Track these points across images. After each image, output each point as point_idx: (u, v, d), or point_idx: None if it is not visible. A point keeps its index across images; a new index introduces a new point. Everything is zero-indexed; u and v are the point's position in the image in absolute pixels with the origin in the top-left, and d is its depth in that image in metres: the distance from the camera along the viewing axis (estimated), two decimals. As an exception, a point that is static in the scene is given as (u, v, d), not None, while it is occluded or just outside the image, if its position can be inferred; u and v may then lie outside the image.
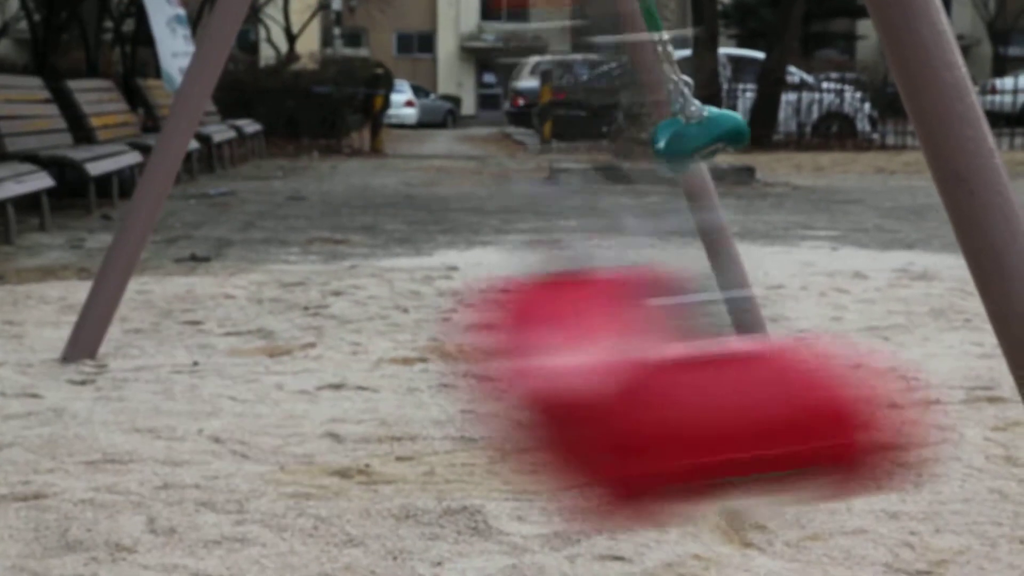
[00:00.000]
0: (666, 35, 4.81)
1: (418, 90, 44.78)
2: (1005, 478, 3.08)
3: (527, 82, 31.10)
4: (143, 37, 17.32)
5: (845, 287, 6.33)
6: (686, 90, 4.66)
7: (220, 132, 15.52)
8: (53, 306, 5.61)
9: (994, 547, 2.61)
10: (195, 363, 4.44)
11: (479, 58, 56.86)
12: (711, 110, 4.72)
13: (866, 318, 5.44)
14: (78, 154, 9.75)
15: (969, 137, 1.90)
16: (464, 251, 7.85)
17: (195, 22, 18.08)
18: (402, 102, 39.15)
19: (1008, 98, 27.33)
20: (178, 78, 13.79)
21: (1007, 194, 1.91)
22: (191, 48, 14.80)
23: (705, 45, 22.58)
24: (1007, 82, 28.79)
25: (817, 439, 1.05)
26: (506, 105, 34.51)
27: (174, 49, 14.54)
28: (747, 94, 23.33)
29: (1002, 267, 1.91)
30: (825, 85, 24.23)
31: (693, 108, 4.64)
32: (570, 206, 11.07)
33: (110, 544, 2.60)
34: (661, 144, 4.66)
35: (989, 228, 1.90)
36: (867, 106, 23.78)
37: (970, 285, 1.98)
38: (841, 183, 14.54)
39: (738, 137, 4.73)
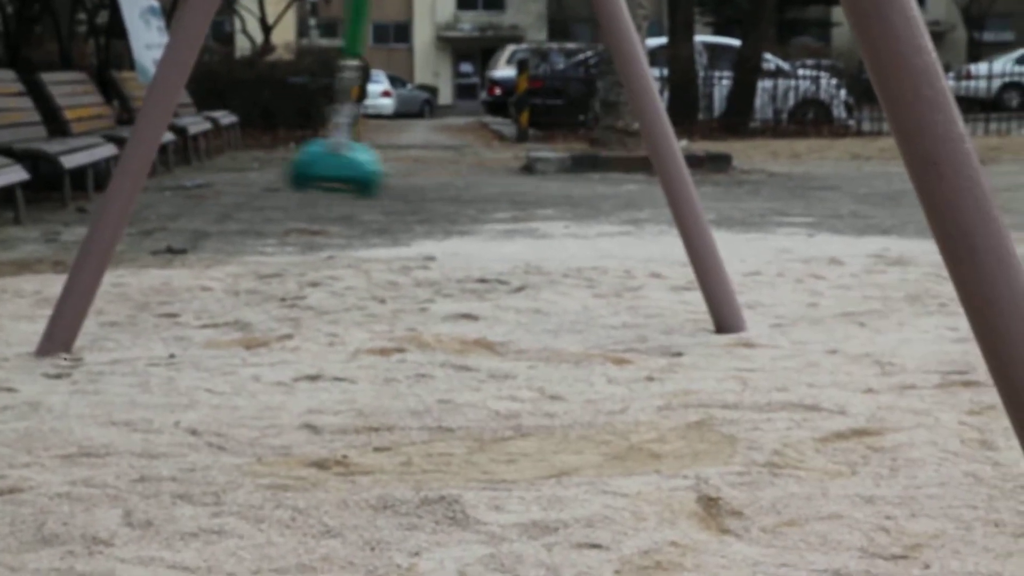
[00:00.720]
0: (353, 63, 4.89)
1: (395, 80, 44.72)
2: (980, 462, 3.09)
3: (504, 71, 31.09)
4: (117, 29, 17.23)
5: (821, 273, 6.35)
6: (346, 121, 4.73)
7: (195, 124, 15.46)
8: (28, 299, 5.58)
9: (969, 530, 2.62)
10: (172, 356, 4.42)
11: (455, 48, 56.79)
12: (357, 153, 4.79)
13: (842, 304, 5.45)
14: (52, 147, 9.70)
15: (939, 122, 1.90)
16: (441, 241, 7.85)
17: (170, 13, 18.00)
18: (379, 92, 39.09)
19: (983, 84, 27.46)
20: (152, 70, 13.71)
21: (977, 178, 1.91)
22: (165, 39, 14.74)
23: (681, 33, 22.61)
24: (982, 67, 28.95)
25: None
26: (483, 94, 34.48)
27: (148, 41, 14.47)
28: (723, 81, 23.37)
29: (973, 251, 1.92)
30: (801, 72, 24.28)
31: (339, 141, 4.72)
32: (547, 194, 11.07)
33: (87, 537, 2.59)
34: (296, 158, 4.75)
35: (959, 212, 1.91)
36: (843, 93, 23.84)
37: (945, 270, 1.99)
38: (817, 170, 14.57)
39: (364, 187, 4.83)
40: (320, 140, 4.71)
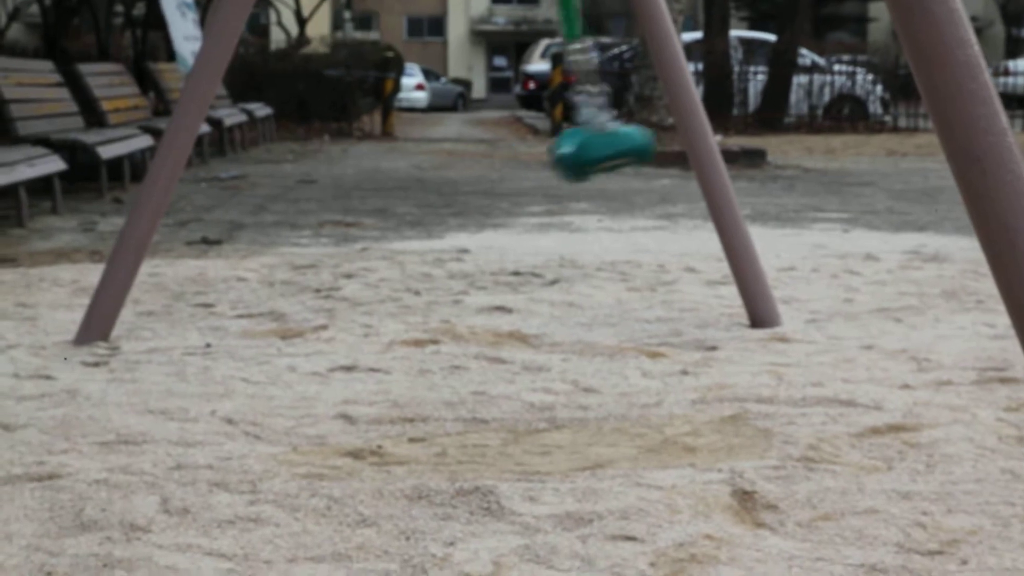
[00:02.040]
0: (578, 45, 4.85)
1: (428, 73, 44.76)
2: (1018, 458, 3.08)
3: (538, 65, 31.05)
4: (154, 21, 17.33)
5: (856, 269, 6.32)
6: (601, 100, 4.69)
7: (231, 115, 15.52)
8: (66, 289, 5.62)
9: (1006, 527, 2.61)
10: (207, 345, 4.45)
11: (490, 41, 56.78)
12: (619, 125, 4.75)
13: (878, 300, 5.43)
14: (89, 137, 9.76)
15: (982, 115, 1.89)
16: (475, 234, 7.85)
17: (204, 8, 18.07)
18: (412, 86, 39.14)
19: (1021, 80, 27.24)
20: (191, 60, 13.79)
21: (1020, 172, 1.90)
22: (200, 31, 14.81)
23: (716, 27, 22.52)
24: (1020, 64, 28.69)
25: None
26: (517, 88, 34.45)
27: (186, 32, 14.54)
28: (758, 76, 23.26)
29: (1015, 246, 1.90)
30: (837, 67, 24.14)
31: (602, 119, 4.68)
32: (580, 188, 11.06)
33: (124, 524, 2.61)
34: (564, 151, 4.69)
35: (1002, 207, 1.90)
36: (879, 88, 23.70)
37: (982, 266, 1.98)
38: (853, 166, 14.51)
39: (642, 154, 4.78)
40: (578, 128, 4.68)
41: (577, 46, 4.82)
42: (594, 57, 4.93)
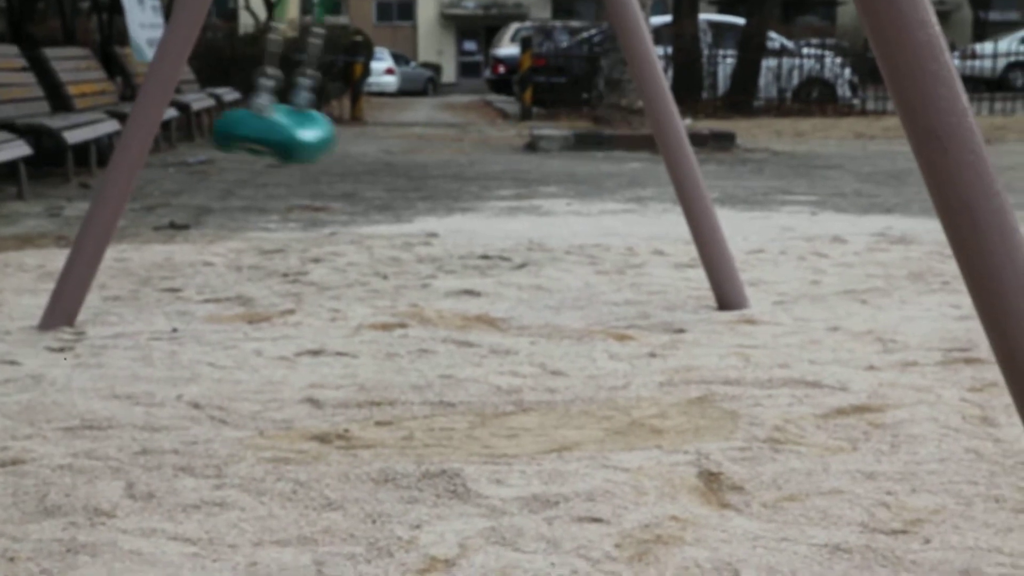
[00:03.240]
0: (319, 30, 4.97)
1: (398, 58, 44.60)
2: (981, 438, 3.10)
3: (507, 49, 31.00)
4: (119, 5, 17.19)
5: (824, 251, 6.35)
6: (269, 84, 4.78)
7: (199, 100, 15.44)
8: (31, 274, 5.58)
9: (969, 506, 2.62)
10: (174, 330, 4.43)
11: (459, 26, 56.65)
12: (285, 118, 4.81)
13: (844, 281, 5.45)
14: (55, 122, 9.69)
15: (942, 96, 1.90)
16: (444, 217, 7.84)
17: (171, -9, 17.93)
18: (382, 70, 38.99)
19: (988, 63, 27.38)
20: (146, 48, 13.69)
21: (980, 152, 1.91)
22: (160, 19, 14.70)
23: (685, 11, 22.53)
24: (987, 47, 28.83)
25: None
26: (486, 73, 34.40)
27: (142, 20, 14.44)
28: (727, 60, 23.29)
29: (976, 224, 1.91)
30: (805, 51, 24.20)
31: (262, 102, 4.77)
32: (550, 172, 11.05)
33: (88, 509, 2.60)
34: (222, 119, 4.80)
35: (963, 186, 1.90)
36: (847, 72, 23.77)
37: (948, 248, 1.99)
38: (821, 148, 14.55)
39: (284, 152, 4.85)
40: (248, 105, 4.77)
41: (318, 31, 4.96)
42: (320, 44, 5.07)
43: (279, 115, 4.72)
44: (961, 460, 2.93)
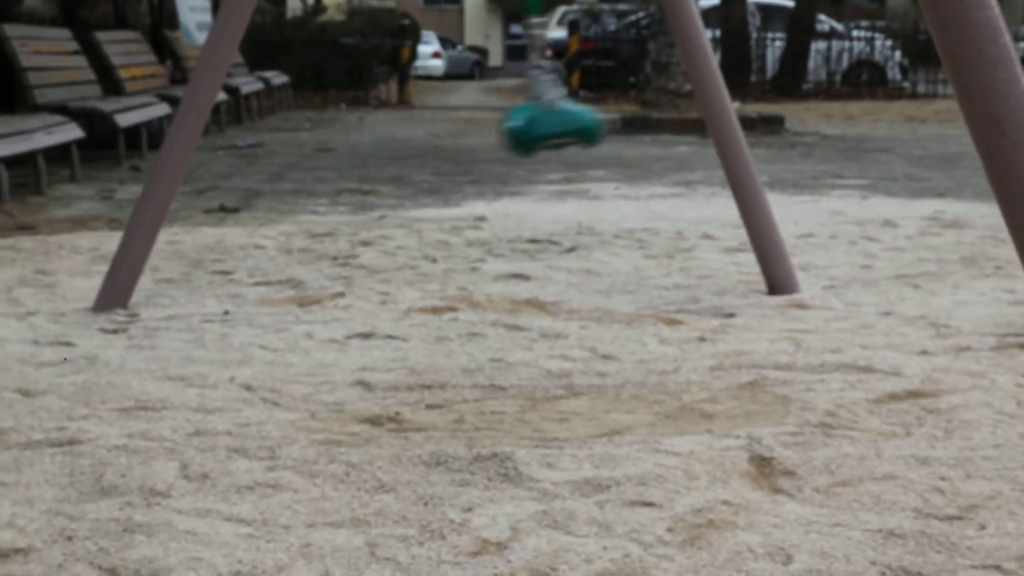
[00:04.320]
0: (537, 19, 4.89)
1: (445, 41, 44.59)
2: (1036, 424, 3.07)
3: (555, 32, 30.93)
4: (170, -11, 17.29)
5: (875, 235, 6.30)
6: (553, 76, 4.72)
7: (248, 84, 15.51)
8: (84, 256, 5.64)
9: (1025, 492, 2.60)
10: (226, 312, 4.46)
11: (506, 9, 56.56)
12: (569, 104, 4.77)
13: (896, 266, 5.41)
14: (107, 105, 9.77)
15: (1002, 78, 1.88)
16: (492, 201, 7.84)
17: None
18: (429, 53, 39.00)
19: (1041, 46, 27.00)
20: (196, 32, 13.76)
21: (1041, 136, 1.89)
22: (208, 3, 14.76)
23: (734, -6, 22.38)
24: (1040, 29, 28.45)
25: None
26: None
27: (192, 4, 14.51)
28: (776, 43, 23.14)
29: (1035, 210, 1.90)
30: (855, 33, 24.00)
31: (552, 96, 4.71)
32: (598, 156, 11.03)
33: (144, 489, 2.62)
34: (512, 125, 4.72)
35: (1021, 169, 1.89)
36: (897, 54, 23.56)
37: (1002, 232, 1.97)
38: (871, 132, 14.43)
39: (589, 135, 4.81)
40: (529, 103, 4.71)
41: (536, 20, 4.88)
42: (547, 33, 5.02)
43: (566, 103, 4.72)
44: (1016, 446, 2.90)
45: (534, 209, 7.44)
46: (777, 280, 4.80)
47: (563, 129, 4.66)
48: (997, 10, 1.92)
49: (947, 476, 2.70)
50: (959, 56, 1.91)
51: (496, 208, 7.47)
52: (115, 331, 4.16)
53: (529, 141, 4.71)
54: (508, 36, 56.87)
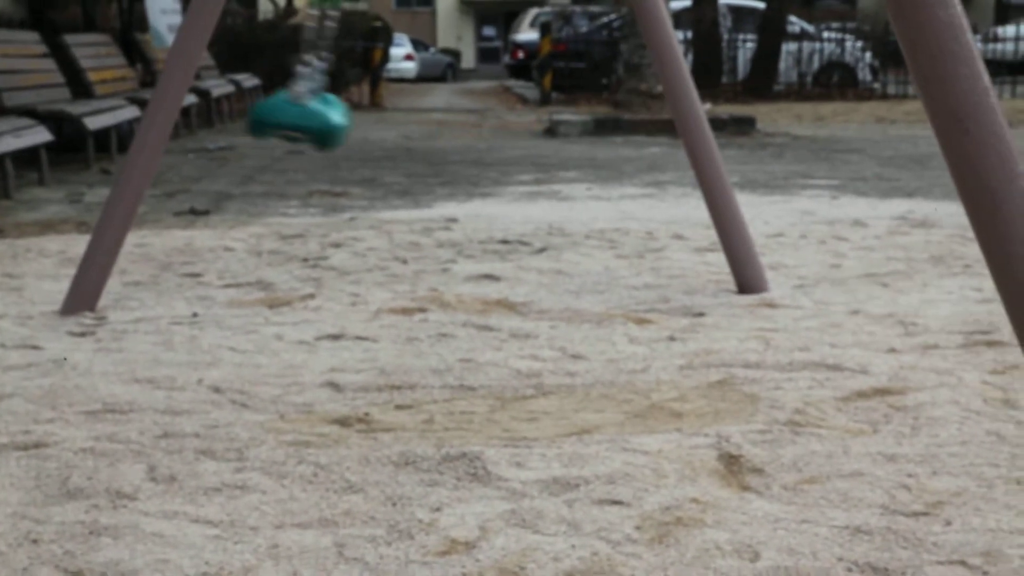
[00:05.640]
0: (333, 12, 4.97)
1: (417, 44, 44.56)
2: (1003, 420, 3.09)
3: (527, 35, 30.96)
4: (140, -8, 17.21)
5: (844, 235, 6.33)
6: (307, 72, 4.80)
7: (218, 86, 15.46)
8: (52, 259, 5.61)
9: (991, 488, 2.62)
10: (194, 314, 4.44)
11: (478, 11, 56.57)
12: (319, 105, 4.84)
13: (865, 265, 5.44)
14: (76, 108, 9.72)
15: (964, 76, 1.88)
16: (463, 203, 7.84)
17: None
18: (401, 56, 38.97)
19: (1010, 46, 27.19)
20: (166, 34, 13.70)
21: (1003, 134, 1.89)
22: (179, 5, 14.70)
23: (705, -5, 22.44)
24: (1009, 30, 28.63)
25: None
26: (506, 58, 34.34)
27: (163, 6, 14.46)
28: (747, 44, 23.21)
29: (998, 207, 1.90)
30: (826, 35, 24.10)
31: (300, 90, 4.80)
32: (569, 157, 11.04)
33: (111, 492, 2.61)
34: (256, 105, 4.82)
35: (985, 168, 1.89)
36: (868, 56, 23.68)
37: (970, 231, 1.98)
38: (842, 133, 14.49)
39: (321, 139, 4.87)
40: (284, 90, 4.79)
41: (333, 14, 4.99)
42: (335, 28, 5.11)
43: (314, 102, 4.74)
44: (982, 442, 2.92)
45: (505, 210, 7.44)
46: (747, 279, 4.81)
47: (297, 123, 4.76)
48: (959, 8, 1.93)
49: (914, 473, 2.71)
50: (922, 53, 1.92)
51: (467, 209, 7.47)
52: (83, 334, 4.14)
53: (261, 124, 4.82)
54: (481, 39, 56.87)
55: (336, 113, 4.81)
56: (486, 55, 55.25)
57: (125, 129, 10.84)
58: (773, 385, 3.44)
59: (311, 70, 4.73)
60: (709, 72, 21.34)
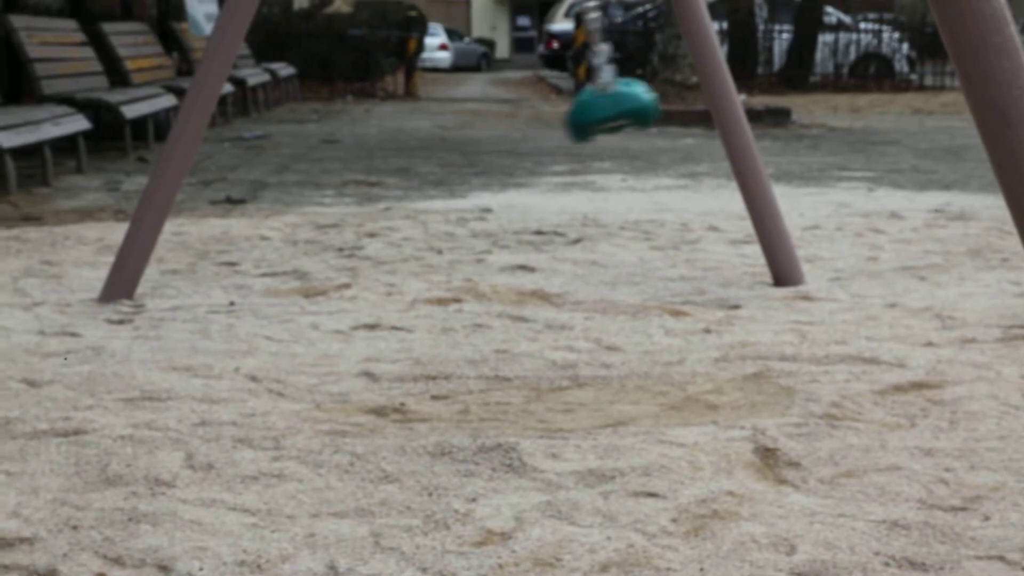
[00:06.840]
0: (593, 3, 4.91)
1: (452, 33, 44.56)
2: (1041, 416, 3.06)
3: (561, 25, 30.90)
4: (177, -20, 17.28)
5: (881, 227, 6.29)
6: (603, 60, 4.75)
7: (255, 75, 15.51)
8: (90, 247, 5.64)
9: (1029, 484, 2.60)
10: (231, 303, 4.46)
11: (513, 1, 56.50)
12: (623, 86, 4.78)
13: (902, 258, 5.41)
14: (114, 97, 9.77)
15: (1006, 68, 1.87)
16: (498, 193, 7.84)
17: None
18: (436, 45, 38.98)
19: (1049, 38, 26.93)
20: (204, 23, 13.74)
21: (1045, 126, 1.89)
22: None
23: (741, -15, 22.35)
24: (1048, 22, 28.38)
25: None
26: (540, 48, 34.31)
27: (199, -5, 14.51)
28: (783, 35, 23.10)
29: (1039, 200, 1.89)
30: (863, 26, 23.95)
31: (605, 79, 4.73)
32: (604, 148, 11.02)
33: (149, 479, 2.63)
34: (569, 115, 4.74)
35: (1027, 161, 1.88)
36: (905, 47, 23.52)
37: (1008, 224, 1.97)
38: (878, 124, 14.41)
39: (643, 116, 4.81)
40: (587, 87, 4.75)
41: (591, 4, 4.90)
42: (599, 21, 5.04)
43: (619, 86, 4.73)
44: (1021, 437, 2.90)
45: (540, 201, 7.44)
46: (783, 272, 4.80)
47: (617, 111, 4.69)
48: (1003, 1, 1.92)
49: (951, 467, 2.70)
50: (964, 46, 1.91)
51: (502, 200, 7.48)
52: (121, 322, 4.17)
53: (583, 127, 4.75)
54: (515, 28, 56.81)
55: (641, 88, 4.81)
56: (520, 45, 55.18)
57: (162, 117, 10.90)
58: (809, 378, 3.43)
59: (605, 57, 4.71)
60: (745, 63, 21.26)
